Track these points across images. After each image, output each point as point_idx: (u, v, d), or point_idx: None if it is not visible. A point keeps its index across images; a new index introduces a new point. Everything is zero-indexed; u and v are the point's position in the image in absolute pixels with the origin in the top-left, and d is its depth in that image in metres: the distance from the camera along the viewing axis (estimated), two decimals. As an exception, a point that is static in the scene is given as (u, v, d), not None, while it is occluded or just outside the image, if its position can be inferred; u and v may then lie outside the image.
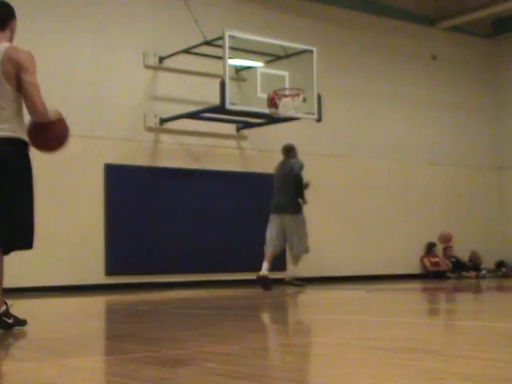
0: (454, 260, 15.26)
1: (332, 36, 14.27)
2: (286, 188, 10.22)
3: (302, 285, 10.44)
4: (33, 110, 4.60)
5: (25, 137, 4.54)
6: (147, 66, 12.17)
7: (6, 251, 4.85)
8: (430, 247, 15.08)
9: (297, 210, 10.21)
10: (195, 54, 11.93)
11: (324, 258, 13.62)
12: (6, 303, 4.61)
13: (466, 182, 16.03)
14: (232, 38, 10.83)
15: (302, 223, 10.18)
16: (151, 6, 12.38)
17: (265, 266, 9.84)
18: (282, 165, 10.54)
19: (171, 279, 11.86)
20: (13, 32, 4.83)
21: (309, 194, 13.69)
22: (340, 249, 13.87)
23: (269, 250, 10.08)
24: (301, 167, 10.29)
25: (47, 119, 4.72)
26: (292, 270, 10.63)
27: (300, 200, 10.19)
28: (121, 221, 11.57)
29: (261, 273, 9.78)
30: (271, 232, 10.22)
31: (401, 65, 15.34)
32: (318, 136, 13.60)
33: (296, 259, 10.36)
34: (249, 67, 12.19)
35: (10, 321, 4.58)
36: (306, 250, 10.32)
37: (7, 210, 4.54)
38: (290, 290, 10.10)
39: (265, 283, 9.72)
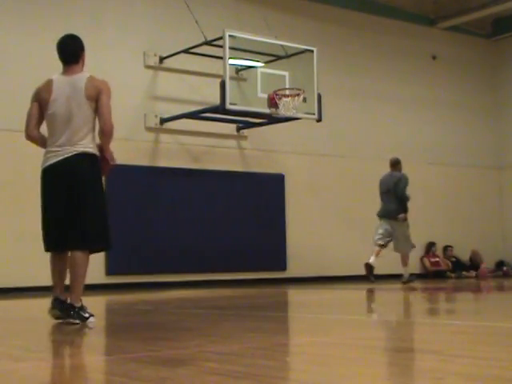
0: (453, 260, 15.27)
1: (332, 36, 14.28)
2: (392, 198, 11.67)
3: (413, 280, 11.88)
4: (103, 126, 5.24)
5: (96, 152, 5.30)
6: (147, 66, 12.17)
7: (91, 252, 5.38)
8: (430, 247, 15.08)
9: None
10: (195, 53, 11.93)
11: (324, 258, 13.63)
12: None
13: (466, 182, 16.03)
14: (232, 38, 10.83)
15: (406, 227, 11.81)
16: (151, 6, 12.38)
17: (372, 258, 11.53)
18: (389, 177, 11.81)
19: (171, 279, 11.86)
20: (84, 62, 5.49)
21: (309, 194, 13.74)
22: (340, 249, 13.86)
23: (377, 247, 11.69)
24: (405, 185, 11.79)
25: (110, 138, 5.34)
26: (405, 270, 11.71)
27: (403, 214, 11.76)
28: (121, 221, 11.56)
29: (370, 261, 11.51)
30: (380, 233, 11.69)
31: (401, 65, 15.34)
32: (318, 136, 13.60)
33: (404, 259, 11.75)
34: (249, 67, 12.19)
35: (86, 315, 5.19)
36: (412, 246, 11.98)
37: (90, 215, 5.25)
38: (407, 287, 11.02)
39: (370, 270, 11.40)
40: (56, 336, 4.75)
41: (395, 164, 11.89)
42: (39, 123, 5.59)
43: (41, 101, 5.38)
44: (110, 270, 11.44)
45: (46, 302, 8.81)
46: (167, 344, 4.04)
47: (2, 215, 10.71)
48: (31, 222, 10.90)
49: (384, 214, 11.70)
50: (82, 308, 5.20)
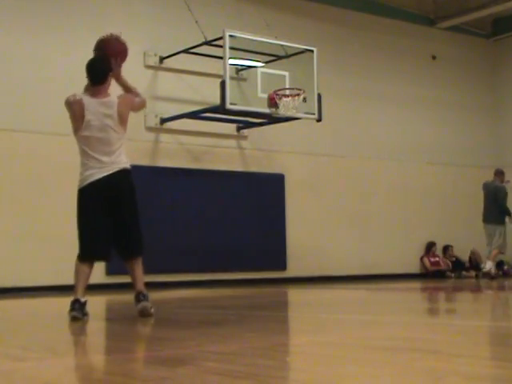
0: (453, 260, 15.27)
1: (332, 36, 14.28)
2: (493, 205, 12.92)
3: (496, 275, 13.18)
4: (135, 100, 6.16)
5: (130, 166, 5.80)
6: (147, 66, 12.17)
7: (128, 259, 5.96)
8: (430, 247, 15.09)
9: (501, 221, 12.95)
10: (195, 53, 11.93)
11: (324, 258, 13.63)
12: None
13: (466, 182, 16.02)
14: (232, 37, 10.82)
15: (504, 230, 13.00)
16: (151, 6, 12.38)
17: (489, 263, 12.84)
18: (491, 185, 13.08)
19: (171, 279, 11.85)
20: (110, 82, 6.06)
21: (309, 194, 13.73)
22: (340, 249, 13.87)
23: (493, 251, 12.92)
24: (504, 197, 12.93)
25: (141, 104, 6.31)
26: (490, 265, 12.95)
27: (507, 218, 12.96)
28: (121, 221, 11.56)
29: (484, 270, 13.00)
30: (491, 237, 12.94)
31: (401, 65, 15.34)
32: (318, 136, 13.60)
33: (494, 255, 13.00)
34: (249, 67, 12.19)
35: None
36: (501, 248, 13.10)
37: (134, 225, 5.79)
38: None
39: (491, 277, 12.75)
40: (56, 336, 4.75)
41: (499, 174, 13.08)
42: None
43: (76, 116, 5.77)
44: (110, 270, 11.43)
45: (45, 302, 8.82)
46: (167, 344, 4.04)
47: (2, 215, 10.71)
48: (31, 222, 10.94)
49: (485, 219, 13.07)
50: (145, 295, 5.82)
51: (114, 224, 5.74)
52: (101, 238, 5.90)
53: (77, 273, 6.22)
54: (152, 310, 5.75)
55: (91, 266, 6.11)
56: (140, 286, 5.92)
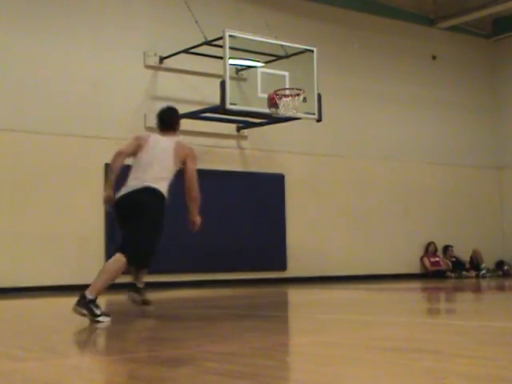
0: (453, 260, 15.27)
1: (332, 36, 14.27)
2: None
3: None
4: (190, 192, 6.73)
5: (166, 194, 6.42)
6: (147, 66, 12.17)
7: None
8: (428, 247, 15.09)
9: None
10: (195, 53, 11.93)
11: (324, 258, 13.62)
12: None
13: (466, 182, 16.03)
14: (232, 37, 10.82)
15: None
16: (151, 6, 12.38)
17: None
18: None
19: (171, 279, 11.85)
20: (179, 128, 6.85)
21: (309, 194, 13.73)
22: (340, 249, 13.87)
23: None
24: None
25: (195, 202, 6.95)
26: None
27: None
28: (121, 221, 11.56)
29: None
30: None
31: (401, 65, 15.34)
32: (318, 136, 13.60)
33: None
34: (249, 67, 12.19)
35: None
36: None
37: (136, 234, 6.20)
38: None
39: None
40: (56, 336, 4.75)
41: None
42: (128, 156, 6.44)
43: (137, 146, 6.43)
44: (110, 270, 11.43)
45: (46, 302, 8.81)
46: (167, 344, 4.04)
47: (2, 215, 10.71)
48: (31, 222, 10.95)
49: None
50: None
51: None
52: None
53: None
54: (84, 315, 5.40)
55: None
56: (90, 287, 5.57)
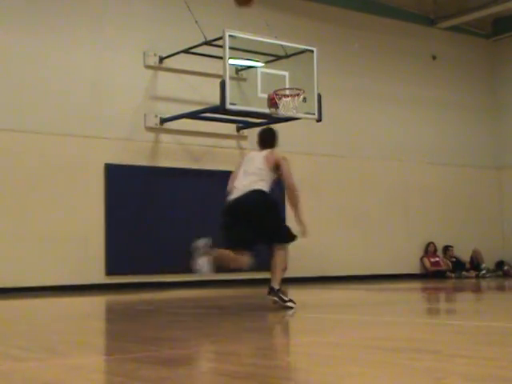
0: (454, 260, 15.27)
1: (332, 36, 14.27)
2: None
3: None
4: (287, 190, 7.30)
5: (268, 191, 7.01)
6: (147, 66, 12.17)
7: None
8: (428, 247, 15.09)
9: None
10: (195, 53, 11.93)
11: (324, 258, 13.62)
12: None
13: (466, 182, 16.03)
14: (232, 37, 10.82)
15: None
16: (151, 6, 12.38)
17: None
18: None
19: (171, 279, 11.85)
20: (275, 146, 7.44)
21: (309, 194, 13.71)
22: (340, 249, 13.87)
23: None
24: None
25: (295, 200, 7.34)
26: None
27: None
28: (121, 221, 11.57)
29: None
30: None
31: (401, 65, 15.34)
32: (318, 136, 13.60)
33: None
34: (249, 67, 12.19)
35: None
36: None
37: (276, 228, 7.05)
38: None
39: None
40: (56, 336, 4.75)
41: None
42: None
43: (241, 162, 7.39)
44: (110, 270, 11.44)
45: (46, 302, 8.82)
46: (167, 344, 4.04)
47: (2, 215, 10.71)
48: (31, 222, 10.95)
49: None
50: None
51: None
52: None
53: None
54: (276, 302, 6.54)
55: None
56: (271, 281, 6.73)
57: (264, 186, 7.01)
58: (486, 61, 16.91)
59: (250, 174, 7.08)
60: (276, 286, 6.58)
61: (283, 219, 7.45)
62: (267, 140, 7.45)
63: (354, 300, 8.50)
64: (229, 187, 7.28)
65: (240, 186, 7.06)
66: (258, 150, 7.35)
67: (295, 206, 7.18)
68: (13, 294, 10.03)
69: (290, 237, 7.04)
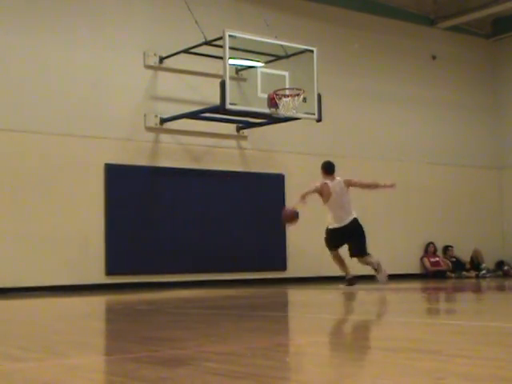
0: (454, 260, 15.27)
1: (332, 36, 14.28)
2: None
3: None
4: (369, 187, 10.45)
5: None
6: (147, 66, 12.17)
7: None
8: (427, 247, 15.09)
9: None
10: (195, 53, 11.93)
11: (324, 258, 13.60)
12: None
13: (466, 182, 16.03)
14: (232, 37, 10.82)
15: None
16: (151, 6, 12.39)
17: None
18: None
19: (171, 279, 11.86)
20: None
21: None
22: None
23: None
24: None
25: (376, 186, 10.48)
26: None
27: None
28: (121, 221, 11.58)
29: None
30: None
31: (401, 65, 15.35)
32: (317, 136, 13.60)
33: None
34: (249, 67, 12.19)
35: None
36: None
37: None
38: None
39: None
40: (56, 336, 4.75)
41: None
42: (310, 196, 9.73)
43: (322, 191, 9.81)
44: (110, 270, 11.44)
45: (46, 302, 8.81)
46: (167, 344, 4.05)
47: (2, 215, 10.71)
48: (31, 222, 10.95)
49: None
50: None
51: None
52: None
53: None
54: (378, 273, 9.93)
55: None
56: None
57: (354, 212, 10.34)
58: (486, 61, 16.91)
59: (343, 204, 9.90)
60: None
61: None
62: (335, 169, 9.93)
63: (353, 300, 8.50)
64: (304, 196, 9.75)
65: (343, 215, 9.99)
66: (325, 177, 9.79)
67: (374, 187, 10.46)
68: (13, 294, 10.03)
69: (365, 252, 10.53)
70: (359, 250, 10.14)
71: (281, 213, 9.83)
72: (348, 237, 9.96)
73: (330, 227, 9.91)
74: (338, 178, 9.80)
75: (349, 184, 9.88)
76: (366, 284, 11.65)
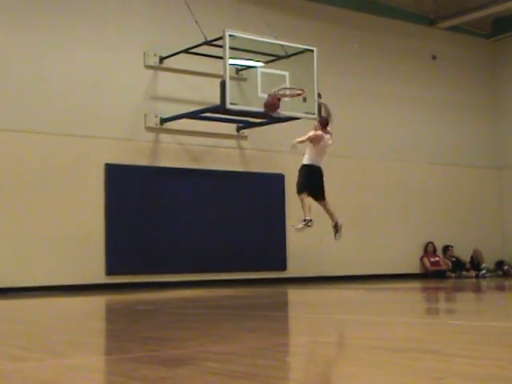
0: (453, 260, 15.27)
1: (332, 36, 14.27)
2: None
3: None
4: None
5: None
6: (147, 66, 12.17)
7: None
8: (427, 247, 15.09)
9: None
10: (195, 53, 11.93)
11: (324, 258, 13.63)
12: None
13: (466, 182, 16.03)
14: (232, 37, 10.82)
15: None
16: (151, 6, 12.38)
17: None
18: None
19: (171, 279, 11.86)
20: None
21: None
22: (340, 249, 13.85)
23: None
24: None
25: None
26: None
27: None
28: (121, 221, 11.58)
29: None
30: None
31: (401, 65, 15.34)
32: (318, 136, 13.58)
33: None
34: (249, 67, 12.19)
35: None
36: None
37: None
38: None
39: None
40: (56, 336, 4.76)
41: None
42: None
43: (316, 139, 10.66)
44: (110, 270, 11.44)
45: (46, 302, 8.82)
46: (167, 344, 4.05)
47: (2, 215, 10.71)
48: (31, 221, 10.95)
49: None
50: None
51: None
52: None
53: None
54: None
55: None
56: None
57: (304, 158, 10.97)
58: (486, 61, 16.91)
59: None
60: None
61: None
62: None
63: (354, 300, 8.50)
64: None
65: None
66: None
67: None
68: (13, 294, 10.04)
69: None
70: (323, 193, 10.92)
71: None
72: (316, 180, 10.79)
73: (306, 163, 10.71)
74: (329, 135, 10.71)
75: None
76: (367, 284, 11.67)
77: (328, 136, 10.73)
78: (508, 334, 4.34)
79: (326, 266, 13.66)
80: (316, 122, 10.90)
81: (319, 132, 10.64)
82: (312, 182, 10.70)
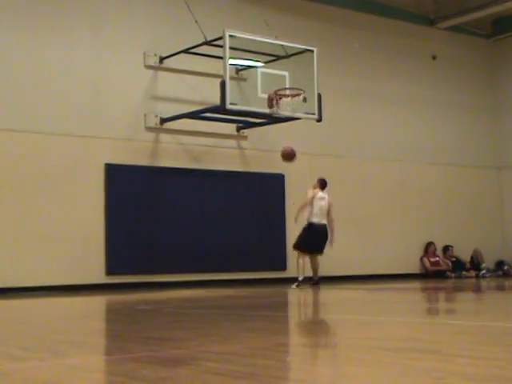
0: (453, 260, 15.27)
1: (332, 36, 14.27)
2: None
3: None
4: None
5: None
6: (147, 66, 12.17)
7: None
8: (428, 247, 15.09)
9: None
10: (195, 53, 11.93)
11: (324, 258, 13.61)
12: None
13: (466, 182, 16.03)
14: (232, 37, 10.82)
15: None
16: (151, 6, 12.38)
17: None
18: None
19: (171, 279, 11.86)
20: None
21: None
22: (340, 249, 13.84)
23: None
24: None
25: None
26: None
27: None
28: (121, 221, 11.57)
29: None
30: None
31: (401, 65, 15.34)
32: (318, 136, 13.60)
33: None
34: (249, 67, 12.19)
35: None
36: None
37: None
38: None
39: None
40: (56, 336, 4.76)
41: None
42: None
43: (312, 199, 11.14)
44: (110, 270, 11.45)
45: (46, 302, 8.82)
46: (167, 344, 4.05)
47: (2, 215, 10.71)
48: (31, 222, 10.95)
49: None
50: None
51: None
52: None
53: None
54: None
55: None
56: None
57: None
58: (486, 61, 16.91)
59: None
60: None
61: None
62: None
63: (353, 300, 8.50)
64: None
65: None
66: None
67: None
68: (13, 294, 10.04)
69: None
70: (323, 248, 11.15)
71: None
72: (316, 239, 11.10)
73: (307, 221, 11.09)
74: (326, 196, 11.27)
75: (330, 206, 11.26)
76: (367, 284, 11.67)
77: (321, 195, 11.16)
78: (508, 334, 4.34)
79: (326, 266, 13.64)
80: (316, 183, 11.43)
81: (310, 192, 11.20)
82: (310, 241, 11.06)
